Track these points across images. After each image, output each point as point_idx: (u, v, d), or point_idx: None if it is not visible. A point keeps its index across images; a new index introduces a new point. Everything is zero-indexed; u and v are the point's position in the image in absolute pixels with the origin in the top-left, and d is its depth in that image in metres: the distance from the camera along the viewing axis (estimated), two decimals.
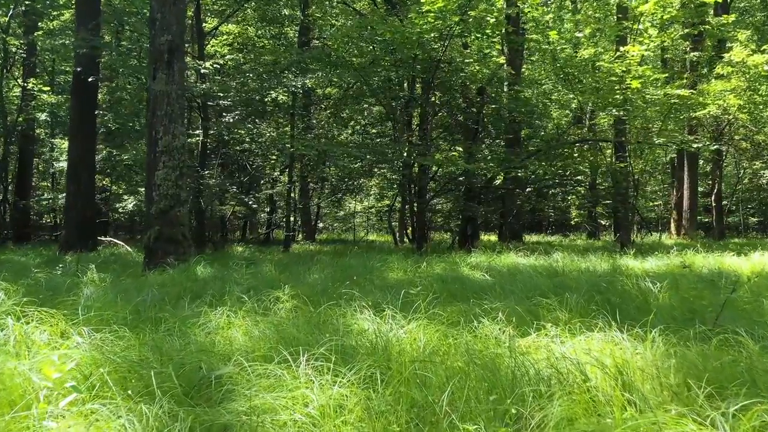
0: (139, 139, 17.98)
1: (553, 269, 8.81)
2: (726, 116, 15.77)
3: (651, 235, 21.80)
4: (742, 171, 27.11)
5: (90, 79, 14.40)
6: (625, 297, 6.06)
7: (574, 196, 26.23)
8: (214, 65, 14.84)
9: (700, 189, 25.18)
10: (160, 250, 8.59)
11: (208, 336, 3.87)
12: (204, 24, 18.61)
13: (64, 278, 7.08)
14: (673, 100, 12.78)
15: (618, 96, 12.60)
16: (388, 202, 25.72)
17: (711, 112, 14.52)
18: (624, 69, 12.19)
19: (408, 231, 23.03)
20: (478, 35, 14.89)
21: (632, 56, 12.02)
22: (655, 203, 30.70)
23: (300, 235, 23.81)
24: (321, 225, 30.18)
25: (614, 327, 4.16)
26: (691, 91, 12.55)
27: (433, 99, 17.06)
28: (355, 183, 24.29)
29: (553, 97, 18.80)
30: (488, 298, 5.80)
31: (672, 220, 25.61)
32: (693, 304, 5.74)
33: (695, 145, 13.34)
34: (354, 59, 16.01)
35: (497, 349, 3.83)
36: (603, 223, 30.54)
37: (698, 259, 10.33)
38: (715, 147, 14.62)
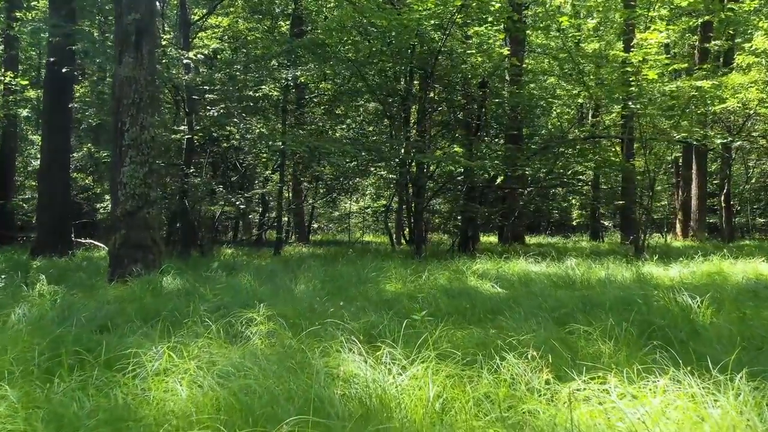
0: None
1: (570, 279, 7.84)
2: (746, 111, 14.82)
3: (661, 237, 20.81)
4: (751, 170, 26.18)
5: (63, 70, 13.35)
6: (667, 317, 5.08)
7: (576, 196, 25.28)
8: (198, 55, 13.80)
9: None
10: (127, 257, 7.57)
11: (139, 389, 2.88)
12: (192, 16, 17.57)
13: (4, 292, 6.07)
14: (692, 93, 11.81)
15: (633, 88, 11.62)
16: (384, 202, 24.74)
17: (730, 107, 13.57)
18: (640, 58, 11.22)
19: (405, 232, 22.08)
20: (481, 23, 13.93)
21: (650, 44, 11.05)
22: (660, 203, 29.75)
23: (293, 237, 22.78)
24: (316, 225, 29.17)
25: (679, 367, 3.20)
26: (714, 82, 11.59)
27: (432, 95, 16.09)
28: (351, 182, 23.32)
29: (557, 92, 17.81)
30: (506, 320, 4.83)
31: (677, 221, 24.67)
32: (754, 326, 4.76)
33: (718, 141, 12.40)
34: (350, 54, 15.04)
35: (533, 402, 2.85)
36: (605, 223, 29.58)
37: (726, 266, 9.36)
38: (738, 143, 13.68)
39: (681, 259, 11.03)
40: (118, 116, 7.70)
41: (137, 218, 7.58)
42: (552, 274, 8.29)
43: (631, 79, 11.76)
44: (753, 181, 27.25)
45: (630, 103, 11.74)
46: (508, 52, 14.35)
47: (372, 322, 4.54)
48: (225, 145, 17.63)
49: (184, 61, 13.72)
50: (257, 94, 16.38)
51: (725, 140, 12.89)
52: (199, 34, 18.18)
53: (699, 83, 11.39)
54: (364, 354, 3.19)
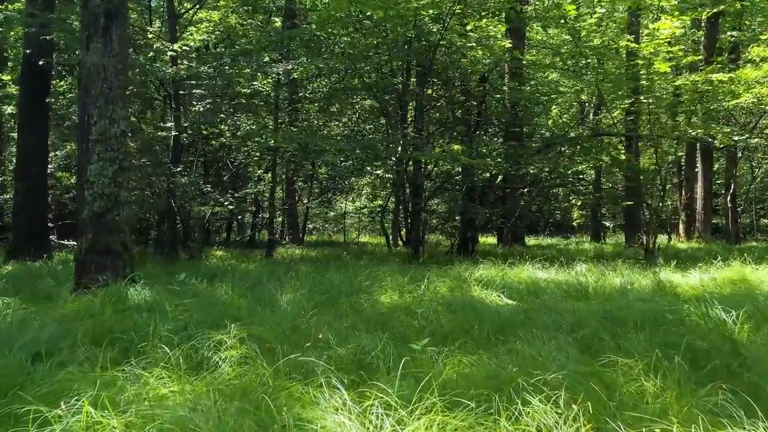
0: None
1: (582, 288, 7.13)
2: (760, 107, 14.12)
3: (667, 238, 20.13)
4: (756, 170, 25.51)
5: (41, 63, 12.61)
6: (706, 337, 4.38)
7: (578, 197, 24.60)
8: (184, 47, 13.04)
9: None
10: (94, 264, 6.84)
11: None
12: (180, 9, 16.79)
13: None
14: (706, 88, 11.13)
15: (644, 82, 10.93)
16: (380, 202, 24.05)
17: (742, 103, 12.87)
18: (652, 50, 10.53)
19: (402, 233, 21.36)
20: (481, 17, 13.27)
21: (662, 35, 10.36)
22: (662, 204, 29.01)
23: (287, 238, 22.04)
24: (311, 226, 28.45)
25: (757, 418, 2.50)
26: (731, 76, 10.91)
27: (429, 91, 15.39)
28: (346, 182, 22.63)
29: (561, 88, 17.11)
30: (520, 342, 4.12)
31: (680, 222, 24.00)
32: None
33: (736, 138, 11.73)
34: (345, 47, 14.30)
35: None
36: (606, 224, 28.86)
37: (749, 272, 8.67)
38: (755, 141, 12.99)
39: (693, 263, 10.34)
40: (84, 108, 6.96)
41: (106, 221, 6.83)
42: (562, 282, 7.59)
43: (641, 72, 11.07)
44: (757, 180, 26.59)
45: (642, 97, 11.03)
46: (510, 45, 13.64)
47: (363, 346, 3.83)
48: (214, 142, 16.90)
49: (169, 53, 12.98)
50: (247, 91, 15.67)
51: (743, 137, 12.18)
52: (189, 29, 17.43)
53: (714, 76, 10.71)
54: (349, 403, 2.47)
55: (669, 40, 10.76)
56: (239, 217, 20.44)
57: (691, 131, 11.04)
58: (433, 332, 4.63)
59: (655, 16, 12.95)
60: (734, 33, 13.93)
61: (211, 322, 4.63)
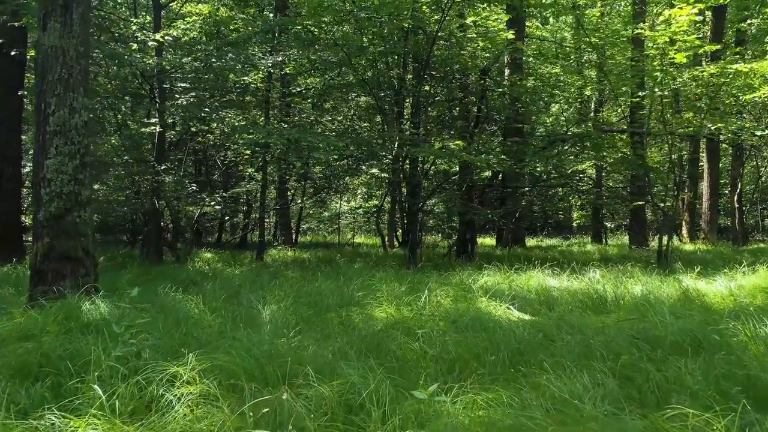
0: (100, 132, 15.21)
1: (601, 298, 6.39)
2: None
3: (676, 240, 19.43)
4: (762, 168, 24.84)
5: (12, 53, 11.81)
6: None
7: (579, 196, 23.87)
8: (166, 37, 12.22)
9: None
10: (52, 272, 6.07)
11: None
12: None
13: None
14: (723, 80, 10.41)
15: (658, 73, 10.20)
16: (376, 202, 23.28)
17: (761, 96, 12.13)
18: (667, 39, 9.79)
19: (398, 234, 20.60)
20: (482, 8, 12.55)
21: (679, 22, 9.64)
22: (664, 204, 28.30)
23: (280, 239, 21.24)
24: (305, 226, 27.66)
25: None
26: (752, 66, 10.19)
27: (427, 87, 14.63)
28: (341, 182, 21.86)
29: (562, 83, 16.36)
30: (545, 373, 3.36)
31: (684, 223, 23.30)
32: None
33: (758, 134, 11.01)
34: (338, 38, 13.52)
35: None
36: (607, 225, 28.12)
37: None
38: None
39: (713, 268, 9.61)
40: (41, 96, 6.17)
41: (65, 223, 6.04)
42: (577, 291, 6.83)
43: (655, 63, 10.33)
44: (763, 179, 25.90)
45: (656, 89, 10.29)
46: (513, 37, 12.89)
47: (352, 383, 3.05)
48: (200, 139, 16.10)
49: (150, 43, 12.18)
50: (238, 87, 14.89)
51: (765, 132, 11.44)
52: (177, 22, 16.60)
53: (735, 67, 9.97)
54: None
55: (686, 29, 10.03)
56: (226, 217, 19.64)
57: (710, 125, 10.30)
58: (438, 358, 3.88)
59: (665, 6, 12.23)
60: (754, 21, 13.17)
61: (171, 346, 3.85)
